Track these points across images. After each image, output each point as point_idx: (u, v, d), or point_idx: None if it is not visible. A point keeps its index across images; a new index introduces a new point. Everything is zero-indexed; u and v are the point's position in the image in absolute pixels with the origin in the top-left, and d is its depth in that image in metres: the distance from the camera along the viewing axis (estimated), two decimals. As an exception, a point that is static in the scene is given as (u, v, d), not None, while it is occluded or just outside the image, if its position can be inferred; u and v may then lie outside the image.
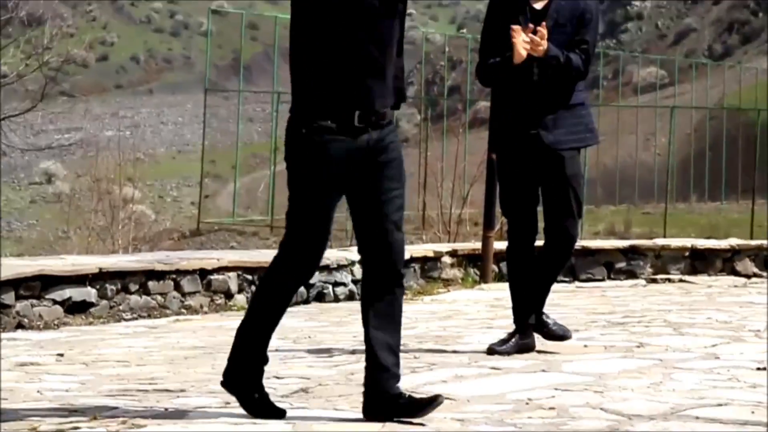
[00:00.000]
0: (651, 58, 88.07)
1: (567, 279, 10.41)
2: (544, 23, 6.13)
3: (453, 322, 9.04)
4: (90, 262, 9.71)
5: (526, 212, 6.50)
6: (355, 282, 10.36)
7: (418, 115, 49.51)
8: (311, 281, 9.45)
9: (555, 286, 7.09)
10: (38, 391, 5.79)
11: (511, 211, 6.60)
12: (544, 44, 6.07)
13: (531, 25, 6.15)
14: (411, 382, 5.55)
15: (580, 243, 10.26)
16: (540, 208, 6.65)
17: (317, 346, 7.60)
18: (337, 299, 10.46)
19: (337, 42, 4.68)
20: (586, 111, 6.50)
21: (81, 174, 25.37)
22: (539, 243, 6.68)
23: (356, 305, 5.57)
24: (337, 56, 4.69)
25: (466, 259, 11.56)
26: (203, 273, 9.73)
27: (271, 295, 4.93)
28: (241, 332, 4.90)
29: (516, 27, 6.11)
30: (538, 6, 6.27)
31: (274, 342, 5.15)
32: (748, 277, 10.65)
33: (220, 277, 9.80)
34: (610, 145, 45.45)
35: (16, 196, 56.43)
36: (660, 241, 10.97)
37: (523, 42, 6.07)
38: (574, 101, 6.37)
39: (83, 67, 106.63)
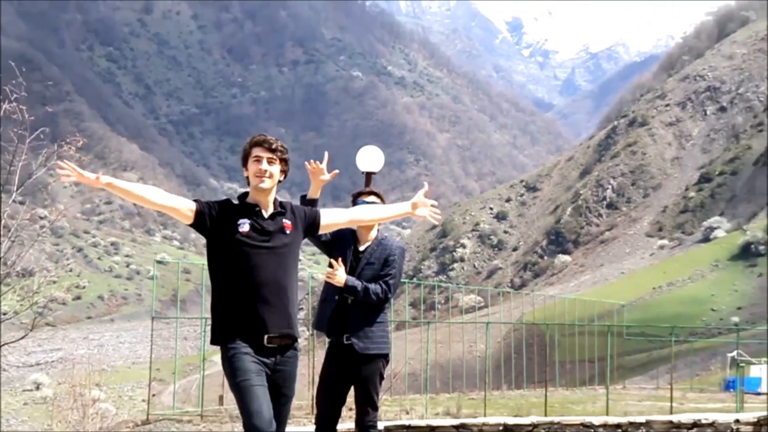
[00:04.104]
0: (471, 288, 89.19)
1: (416, 448, 10.17)
2: (340, 258, 6.18)
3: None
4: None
5: (333, 403, 6.25)
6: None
7: (307, 332, 49.25)
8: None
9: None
10: None
11: (322, 400, 6.27)
12: (341, 276, 6.09)
13: (340, 259, 6.19)
14: None
15: (425, 422, 10.12)
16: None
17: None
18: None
19: (239, 285, 4.79)
20: (387, 328, 6.38)
21: (61, 382, 24.62)
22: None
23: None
24: (241, 295, 4.78)
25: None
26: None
27: None
28: None
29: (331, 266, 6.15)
30: (361, 248, 6.33)
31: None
32: (544, 443, 10.62)
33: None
34: (445, 350, 45.52)
35: (13, 400, 55.40)
36: (481, 419, 10.88)
37: (328, 273, 6.13)
38: (381, 320, 6.28)
39: (62, 305, 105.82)
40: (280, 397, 4.87)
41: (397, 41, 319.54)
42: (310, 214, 5.06)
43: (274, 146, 4.92)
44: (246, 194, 4.98)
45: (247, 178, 4.96)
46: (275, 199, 4.99)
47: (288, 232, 4.93)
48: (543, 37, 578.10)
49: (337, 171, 5.93)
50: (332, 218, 5.15)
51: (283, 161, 4.97)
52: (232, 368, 4.76)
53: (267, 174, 4.88)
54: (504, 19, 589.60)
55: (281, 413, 4.88)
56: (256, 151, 4.92)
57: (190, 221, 4.82)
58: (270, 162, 4.91)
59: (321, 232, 5.15)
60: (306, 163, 5.95)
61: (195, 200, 4.90)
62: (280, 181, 4.98)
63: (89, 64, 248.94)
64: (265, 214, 4.90)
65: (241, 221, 4.83)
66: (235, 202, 4.96)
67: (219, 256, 4.85)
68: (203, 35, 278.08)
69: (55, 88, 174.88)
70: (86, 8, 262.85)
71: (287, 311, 4.87)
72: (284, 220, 4.93)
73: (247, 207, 4.90)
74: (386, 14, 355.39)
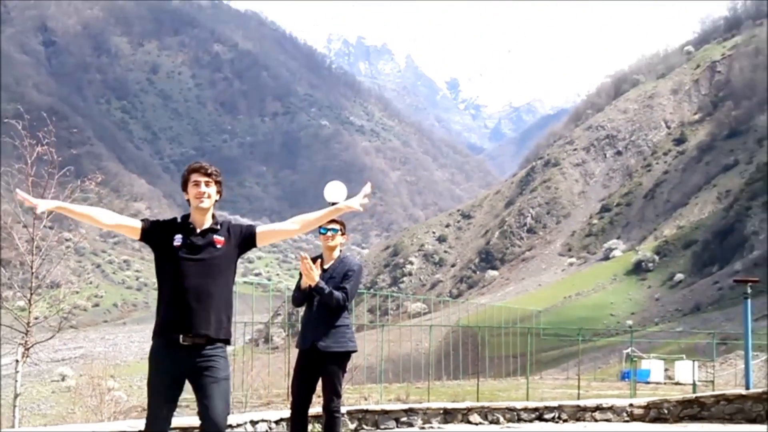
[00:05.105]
0: (418, 297, 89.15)
1: (371, 428, 10.15)
2: (319, 262, 6.22)
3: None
4: (86, 429, 9.20)
5: (305, 392, 6.22)
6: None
7: (284, 332, 48.97)
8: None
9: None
10: None
11: (296, 390, 6.26)
12: (316, 276, 6.08)
13: (320, 262, 6.23)
14: None
15: (380, 406, 10.12)
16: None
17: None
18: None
19: (168, 287, 4.66)
20: (349, 330, 6.30)
21: (82, 374, 24.23)
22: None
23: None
24: (169, 299, 4.64)
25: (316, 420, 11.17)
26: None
27: None
28: None
29: (303, 255, 6.10)
30: (326, 267, 6.30)
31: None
32: (476, 424, 10.64)
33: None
34: (396, 348, 45.39)
35: (43, 389, 54.72)
36: (426, 405, 10.88)
37: (304, 268, 6.08)
38: (341, 323, 6.25)
39: (84, 311, 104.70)
40: (208, 378, 4.61)
41: (357, 96, 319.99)
42: (245, 230, 4.81)
43: (209, 171, 4.75)
44: (189, 214, 4.82)
45: (188, 200, 4.79)
46: (214, 217, 4.81)
47: (218, 246, 4.70)
48: (475, 94, 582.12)
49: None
50: (268, 229, 4.90)
51: (218, 183, 4.79)
52: (149, 365, 4.66)
53: (206, 195, 4.71)
54: (444, 80, 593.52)
55: (214, 391, 4.61)
56: (194, 177, 4.73)
57: (138, 236, 4.69)
58: (207, 184, 4.72)
59: (259, 244, 4.86)
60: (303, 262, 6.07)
61: (142, 219, 4.78)
62: (216, 201, 4.80)
63: (107, 115, 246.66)
64: (198, 231, 4.72)
65: (176, 237, 4.68)
66: (180, 220, 4.79)
67: (158, 266, 4.72)
68: (200, 91, 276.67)
69: (79, 135, 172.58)
70: (105, 69, 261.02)
71: (209, 315, 4.62)
72: (215, 236, 4.72)
73: (183, 225, 4.74)
74: (348, 75, 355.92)
